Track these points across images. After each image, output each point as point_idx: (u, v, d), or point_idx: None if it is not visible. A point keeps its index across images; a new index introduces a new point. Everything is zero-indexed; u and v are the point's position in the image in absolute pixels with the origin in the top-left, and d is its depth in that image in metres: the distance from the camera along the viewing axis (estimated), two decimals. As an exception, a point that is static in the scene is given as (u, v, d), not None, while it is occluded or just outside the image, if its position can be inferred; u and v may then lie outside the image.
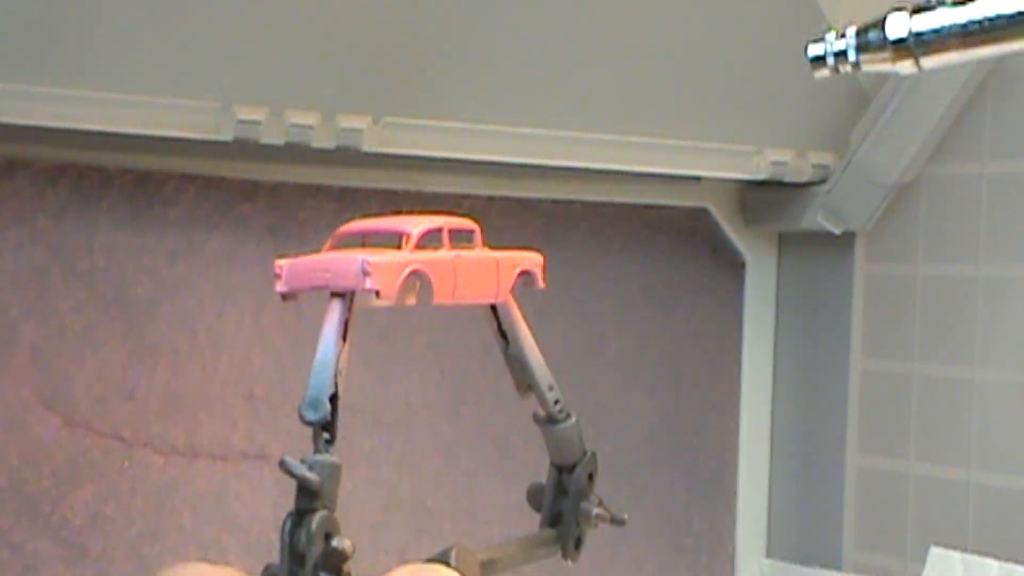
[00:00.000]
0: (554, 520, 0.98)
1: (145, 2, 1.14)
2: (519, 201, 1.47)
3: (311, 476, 0.81)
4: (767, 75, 1.45)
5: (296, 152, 1.26)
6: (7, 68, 1.11)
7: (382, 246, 0.87)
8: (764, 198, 1.57)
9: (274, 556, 0.83)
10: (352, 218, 0.91)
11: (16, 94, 1.12)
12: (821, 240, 1.55)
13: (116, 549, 1.27)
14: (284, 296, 0.85)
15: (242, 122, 1.20)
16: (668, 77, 1.40)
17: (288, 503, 0.85)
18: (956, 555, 1.41)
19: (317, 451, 0.83)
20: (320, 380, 0.82)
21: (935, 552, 1.43)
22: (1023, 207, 1.43)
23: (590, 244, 1.53)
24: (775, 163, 1.49)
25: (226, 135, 1.20)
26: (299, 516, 0.81)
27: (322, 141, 1.25)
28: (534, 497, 1.00)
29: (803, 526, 1.61)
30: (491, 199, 1.45)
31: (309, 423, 0.83)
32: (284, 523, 0.81)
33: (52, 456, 1.25)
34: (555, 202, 1.49)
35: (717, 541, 1.62)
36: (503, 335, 0.95)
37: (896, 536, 1.52)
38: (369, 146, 1.27)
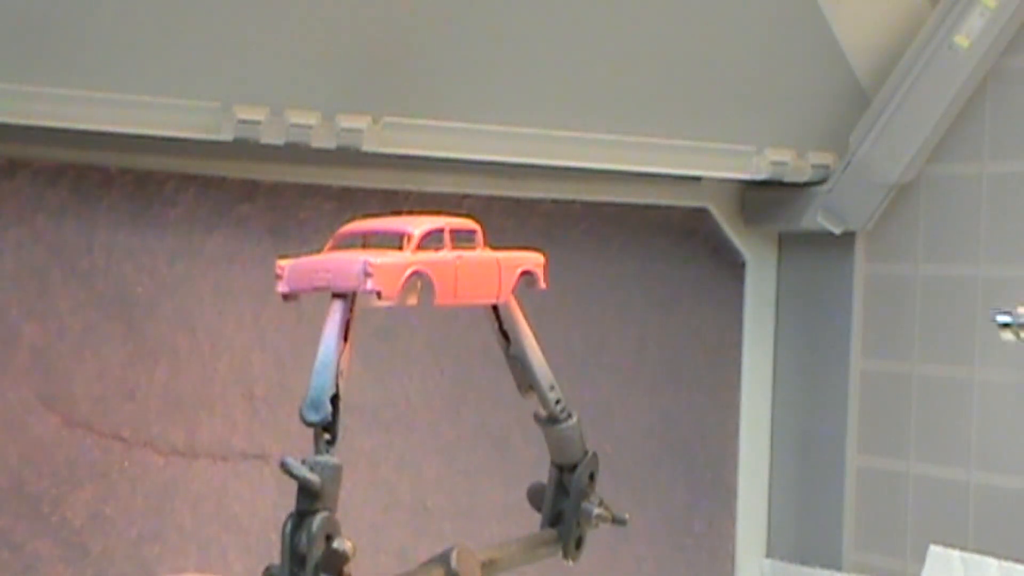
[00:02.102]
0: (555, 520, 0.98)
1: (145, 2, 1.14)
2: (519, 201, 1.47)
3: (312, 477, 0.81)
4: (767, 75, 1.45)
5: (296, 152, 1.26)
6: (7, 68, 1.11)
7: (384, 247, 0.87)
8: (764, 198, 1.57)
9: (274, 556, 0.83)
10: (352, 218, 0.91)
11: (16, 94, 1.12)
12: (821, 240, 1.55)
13: (116, 549, 1.27)
14: (285, 296, 0.85)
15: (242, 122, 1.20)
16: (668, 77, 1.40)
17: (288, 503, 0.85)
18: (955, 553, 1.41)
19: (318, 452, 0.83)
20: (321, 381, 0.82)
21: (934, 551, 1.43)
22: (1023, 207, 1.43)
23: (590, 244, 1.53)
24: (775, 163, 1.49)
25: (226, 135, 1.21)
26: (300, 517, 0.81)
27: (322, 141, 1.25)
28: (534, 497, 1.00)
29: (803, 526, 1.61)
30: (491, 199, 1.45)
31: (310, 424, 0.83)
32: (285, 524, 0.81)
33: (52, 456, 1.25)
34: (555, 202, 1.49)
35: (717, 541, 1.62)
36: (504, 335, 0.95)
37: (896, 536, 1.52)
38: (369, 146, 1.27)
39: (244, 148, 1.24)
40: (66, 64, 1.13)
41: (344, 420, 1.36)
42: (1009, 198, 1.44)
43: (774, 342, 1.64)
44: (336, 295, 0.84)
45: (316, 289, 0.84)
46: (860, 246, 1.56)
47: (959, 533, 1.45)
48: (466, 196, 1.43)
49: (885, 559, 1.53)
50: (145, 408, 1.29)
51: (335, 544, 0.81)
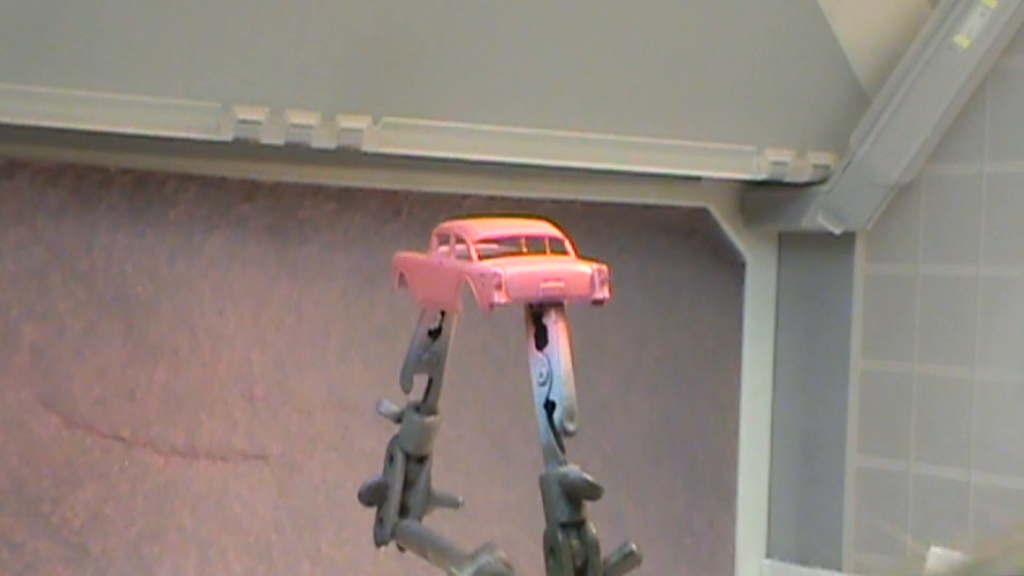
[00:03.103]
0: (402, 511, 0.99)
1: (145, 2, 1.14)
2: (519, 201, 1.47)
3: (597, 483, 0.82)
4: (767, 75, 1.45)
5: (296, 152, 1.26)
6: (7, 68, 1.11)
7: (512, 252, 0.88)
8: (764, 198, 1.57)
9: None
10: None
11: (16, 94, 1.12)
12: (821, 240, 1.55)
13: (116, 549, 1.27)
14: (491, 306, 0.85)
15: (242, 122, 1.20)
16: (668, 77, 1.40)
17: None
18: (956, 555, 1.41)
19: (566, 461, 0.85)
20: (571, 390, 0.84)
21: (935, 552, 1.43)
22: (1023, 207, 1.43)
23: (590, 244, 1.52)
24: (775, 163, 1.49)
25: (226, 135, 1.21)
26: (575, 527, 0.82)
27: (322, 141, 1.25)
28: (373, 493, 1.00)
29: (803, 526, 1.61)
30: (491, 199, 1.45)
31: (571, 434, 0.85)
32: (553, 536, 0.81)
33: (52, 456, 1.25)
34: (555, 202, 1.49)
35: (717, 541, 1.62)
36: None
37: (896, 536, 1.52)
38: (369, 146, 1.27)
39: (244, 148, 1.24)
40: (66, 64, 1.13)
41: (344, 420, 1.36)
42: (1009, 198, 1.44)
43: (774, 342, 1.64)
44: (554, 303, 0.86)
45: (546, 298, 0.86)
46: (860, 246, 1.56)
47: (959, 533, 1.45)
48: (466, 196, 1.43)
49: (885, 559, 1.53)
50: (145, 408, 1.29)
51: (631, 547, 0.82)
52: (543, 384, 0.86)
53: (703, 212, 1.58)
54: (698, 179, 1.55)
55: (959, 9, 1.42)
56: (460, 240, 0.91)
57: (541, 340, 0.88)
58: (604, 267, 0.87)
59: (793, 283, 1.62)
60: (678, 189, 1.55)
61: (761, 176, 1.49)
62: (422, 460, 1.01)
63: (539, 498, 1.51)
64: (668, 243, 1.58)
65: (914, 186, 1.51)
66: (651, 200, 1.55)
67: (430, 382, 0.97)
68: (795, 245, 1.62)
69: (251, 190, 1.34)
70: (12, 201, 1.23)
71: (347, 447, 1.39)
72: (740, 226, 1.60)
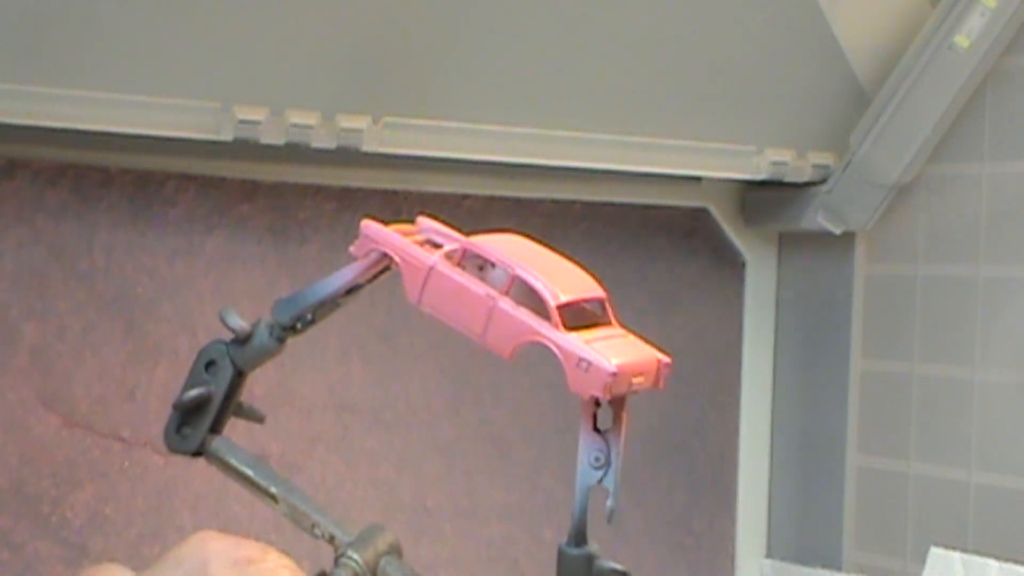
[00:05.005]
0: (215, 426, 0.98)
1: (145, 2, 1.14)
2: (519, 201, 1.47)
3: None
4: (767, 75, 1.45)
5: (296, 152, 1.26)
6: (7, 68, 1.11)
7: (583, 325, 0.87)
8: (764, 198, 1.57)
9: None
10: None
11: (16, 94, 1.12)
12: (821, 240, 1.55)
13: (116, 549, 1.27)
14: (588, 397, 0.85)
15: (242, 122, 1.20)
16: (668, 77, 1.40)
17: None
18: (956, 555, 1.41)
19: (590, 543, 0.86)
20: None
21: (935, 552, 1.43)
22: (1023, 207, 1.43)
23: (590, 244, 1.53)
24: (775, 163, 1.49)
25: (226, 135, 1.20)
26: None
27: (322, 141, 1.25)
28: (196, 404, 0.98)
29: (803, 526, 1.61)
30: (491, 199, 1.45)
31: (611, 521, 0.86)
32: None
33: (52, 456, 1.25)
34: (555, 202, 1.49)
35: (717, 541, 1.62)
36: None
37: (896, 536, 1.52)
38: (369, 146, 1.27)
39: (244, 148, 1.24)
40: (66, 64, 1.13)
41: (344, 420, 1.36)
42: (1009, 198, 1.44)
43: (774, 342, 1.64)
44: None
45: (631, 393, 0.86)
46: (860, 246, 1.56)
47: (959, 533, 1.45)
48: (466, 196, 1.43)
49: (885, 559, 1.53)
50: (145, 408, 1.29)
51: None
52: (598, 468, 0.85)
53: (703, 212, 1.58)
54: (698, 179, 1.55)
55: (959, 9, 1.42)
56: (492, 265, 0.89)
57: (602, 422, 0.87)
58: (668, 360, 0.85)
59: (793, 283, 1.63)
60: (678, 189, 1.55)
61: (761, 176, 1.49)
62: (242, 375, 0.99)
63: (539, 498, 1.51)
64: (668, 243, 1.58)
65: (914, 186, 1.51)
66: (651, 200, 1.55)
67: (308, 321, 0.95)
68: (795, 245, 1.62)
69: (251, 190, 1.34)
70: (12, 201, 1.23)
71: (347, 447, 1.39)
72: (740, 226, 1.60)
